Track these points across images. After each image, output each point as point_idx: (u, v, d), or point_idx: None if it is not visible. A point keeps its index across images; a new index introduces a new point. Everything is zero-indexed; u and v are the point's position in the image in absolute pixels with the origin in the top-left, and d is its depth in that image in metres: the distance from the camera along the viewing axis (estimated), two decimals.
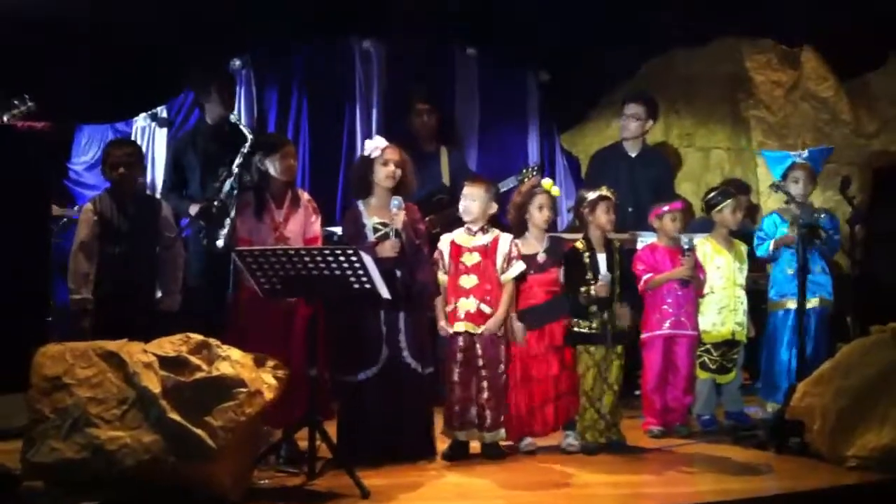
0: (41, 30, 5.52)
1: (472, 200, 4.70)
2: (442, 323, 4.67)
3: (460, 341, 4.60)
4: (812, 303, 5.33)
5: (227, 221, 4.70)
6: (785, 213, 5.51)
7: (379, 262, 4.23)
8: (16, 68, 5.38)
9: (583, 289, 4.76)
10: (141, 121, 6.77)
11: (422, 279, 4.59)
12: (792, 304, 5.27)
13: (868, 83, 7.32)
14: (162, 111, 6.77)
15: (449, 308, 4.66)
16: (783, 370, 5.33)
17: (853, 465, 4.34)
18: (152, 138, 6.79)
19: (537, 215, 4.83)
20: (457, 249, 4.70)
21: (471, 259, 4.68)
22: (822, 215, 5.50)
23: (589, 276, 4.80)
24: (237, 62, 6.73)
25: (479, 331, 4.61)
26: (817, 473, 4.32)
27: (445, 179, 6.47)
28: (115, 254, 4.77)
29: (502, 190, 5.96)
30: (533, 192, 4.86)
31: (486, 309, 4.64)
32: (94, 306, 4.73)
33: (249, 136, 4.75)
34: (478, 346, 4.61)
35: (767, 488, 4.27)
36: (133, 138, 6.57)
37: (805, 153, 5.56)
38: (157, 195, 5.83)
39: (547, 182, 4.95)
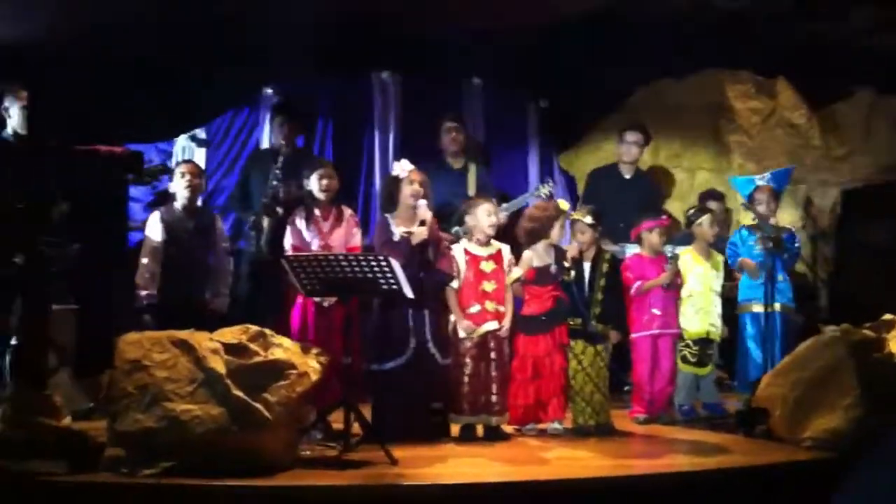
0: (95, 59, 6.21)
1: (495, 216, 5.45)
2: (466, 324, 5.30)
3: (476, 338, 5.31)
4: (776, 307, 6.08)
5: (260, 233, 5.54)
6: (754, 229, 6.23)
7: (407, 264, 4.95)
8: (78, 94, 6.07)
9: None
10: (182, 141, 7.43)
11: (443, 268, 5.29)
12: (756, 308, 6.06)
13: (835, 112, 8.06)
14: (200, 132, 7.45)
15: (472, 310, 5.33)
16: (752, 364, 6.07)
17: (808, 444, 5.01)
18: (192, 156, 7.42)
19: (555, 233, 5.54)
20: (473, 259, 5.41)
21: (488, 266, 5.40)
22: (784, 233, 6.18)
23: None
24: (269, 91, 7.44)
25: (501, 328, 5.33)
26: (777, 451, 5.02)
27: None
28: (178, 258, 5.40)
29: (518, 206, 6.67)
30: (559, 213, 5.55)
31: (502, 309, 5.38)
32: (157, 302, 5.38)
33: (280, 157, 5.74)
34: (491, 342, 5.33)
35: (734, 462, 4.99)
36: (175, 156, 7.29)
37: (767, 175, 6.28)
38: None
39: (563, 203, 5.68)
